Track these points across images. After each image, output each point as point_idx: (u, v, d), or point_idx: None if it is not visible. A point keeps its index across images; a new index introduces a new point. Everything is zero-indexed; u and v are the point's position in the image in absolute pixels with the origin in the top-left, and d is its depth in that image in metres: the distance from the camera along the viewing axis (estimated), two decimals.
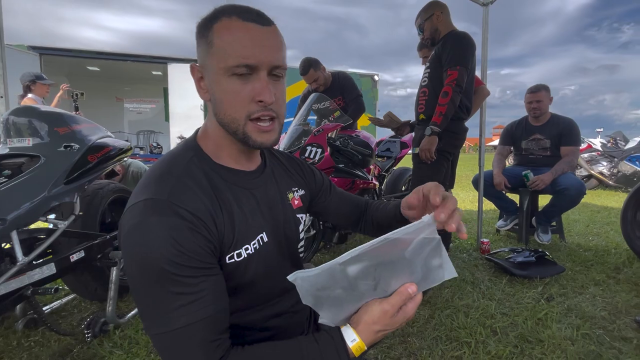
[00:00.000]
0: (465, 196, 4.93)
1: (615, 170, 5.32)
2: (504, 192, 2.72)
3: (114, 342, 1.30)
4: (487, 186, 2.67)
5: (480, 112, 2.45)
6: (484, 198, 2.65)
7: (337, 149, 2.01)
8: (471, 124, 2.13)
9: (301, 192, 0.78)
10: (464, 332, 1.36)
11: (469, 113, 2.00)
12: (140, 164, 2.68)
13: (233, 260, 0.57)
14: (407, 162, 2.59)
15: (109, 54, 6.89)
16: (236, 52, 0.52)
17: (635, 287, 1.77)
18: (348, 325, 0.51)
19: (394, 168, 3.09)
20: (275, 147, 2.19)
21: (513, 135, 2.81)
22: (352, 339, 0.49)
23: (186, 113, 6.29)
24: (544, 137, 2.61)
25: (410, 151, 2.34)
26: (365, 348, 0.50)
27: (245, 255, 0.58)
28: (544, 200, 2.60)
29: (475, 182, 2.69)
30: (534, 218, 2.64)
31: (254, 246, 0.60)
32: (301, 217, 0.77)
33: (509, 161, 3.02)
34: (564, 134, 2.53)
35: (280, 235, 0.69)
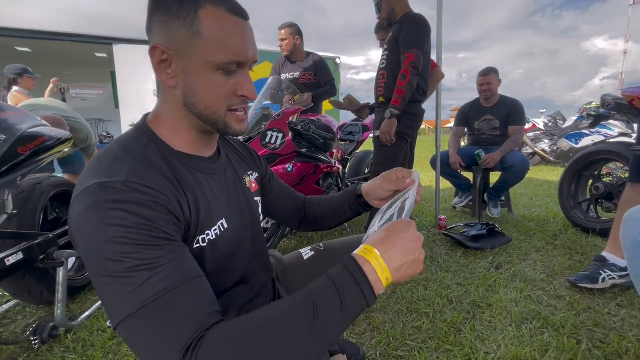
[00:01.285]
0: (424, 176, 5.16)
1: (555, 148, 5.83)
2: (459, 171, 2.88)
3: (66, 346, 1.22)
4: (443, 166, 2.80)
5: (437, 95, 2.53)
6: (441, 177, 2.79)
7: (299, 133, 1.99)
8: (429, 107, 2.21)
9: (255, 175, 0.78)
10: (424, 303, 1.44)
11: (425, 95, 2.06)
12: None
13: (198, 245, 0.56)
14: (369, 145, 2.64)
15: (42, 32, 6.14)
16: (228, 49, 0.51)
17: (569, 251, 1.98)
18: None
19: (357, 151, 3.14)
20: None
21: (467, 116, 2.95)
22: (362, 249, 0.48)
23: (138, 99, 5.85)
24: (494, 117, 2.78)
25: (371, 134, 2.38)
26: (377, 252, 0.47)
27: (208, 241, 0.57)
28: (494, 177, 2.79)
29: (433, 162, 2.82)
30: (486, 194, 2.83)
31: (215, 232, 0.59)
32: (259, 200, 0.77)
33: (464, 141, 3.18)
34: (511, 114, 2.71)
35: (243, 219, 0.68)
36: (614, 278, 1.50)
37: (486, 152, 2.69)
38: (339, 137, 3.13)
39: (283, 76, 2.69)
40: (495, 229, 2.18)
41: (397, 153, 2.02)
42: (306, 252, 0.95)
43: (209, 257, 0.58)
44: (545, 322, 1.28)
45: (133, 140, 0.55)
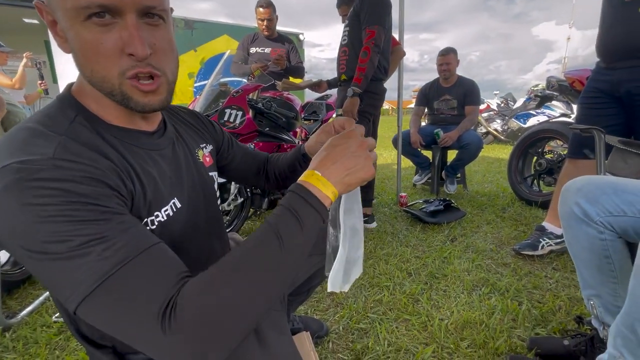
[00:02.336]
0: (387, 155, 5.29)
1: (506, 127, 6.22)
2: (419, 149, 2.97)
3: (5, 345, 1.11)
4: (405, 145, 2.88)
5: (398, 74, 2.55)
6: (402, 156, 2.86)
7: (260, 111, 1.91)
8: (391, 87, 2.22)
9: (209, 147, 0.72)
10: (384, 277, 1.50)
11: (387, 73, 2.06)
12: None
13: (147, 228, 0.50)
14: None
15: None
16: None
17: (515, 222, 2.15)
18: None
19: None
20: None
21: (427, 96, 3.03)
22: (304, 175, 0.50)
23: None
24: (452, 97, 2.87)
25: (335, 114, 2.36)
26: (317, 173, 0.49)
27: (158, 223, 0.52)
28: (452, 155, 2.92)
29: (395, 142, 2.88)
30: (443, 171, 2.97)
31: (167, 212, 0.54)
32: (214, 175, 0.72)
33: (424, 121, 3.28)
34: (468, 94, 2.81)
35: (197, 198, 0.63)
36: (551, 245, 1.66)
37: (444, 131, 2.79)
38: (302, 116, 3.07)
39: (252, 49, 2.61)
40: (451, 205, 2.30)
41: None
42: None
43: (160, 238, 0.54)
44: (493, 287, 1.39)
45: (57, 115, 0.47)
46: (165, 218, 0.54)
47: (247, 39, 2.67)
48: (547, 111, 5.54)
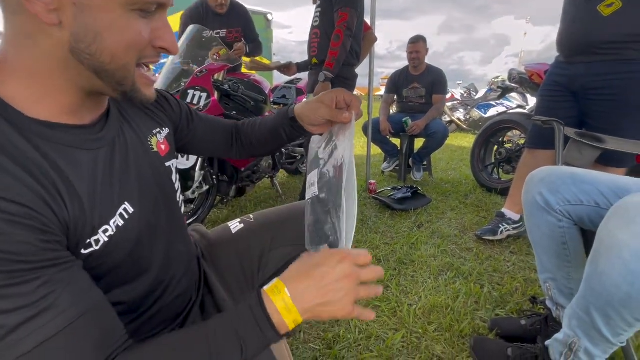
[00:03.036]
0: (356, 142, 5.33)
1: (468, 117, 6.50)
2: (388, 137, 3.00)
3: None
4: (374, 132, 2.89)
5: (370, 61, 2.53)
6: (371, 143, 2.88)
7: (226, 93, 1.80)
8: (361, 74, 2.18)
9: (165, 131, 0.63)
10: None
11: (358, 59, 2.03)
12: None
13: (91, 249, 0.44)
14: None
15: None
16: None
17: (477, 209, 2.26)
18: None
19: None
20: None
21: (396, 84, 3.05)
22: (272, 285, 0.44)
23: None
24: (421, 86, 2.91)
25: (305, 98, 2.29)
26: (286, 291, 0.42)
27: (109, 237, 0.45)
28: (419, 143, 2.99)
29: (365, 129, 2.88)
30: (410, 159, 3.04)
31: (116, 224, 0.47)
32: (172, 164, 0.64)
33: (393, 109, 3.31)
34: (436, 83, 2.87)
35: (153, 197, 0.56)
36: (509, 230, 1.76)
37: (412, 119, 2.84)
38: (271, 100, 2.97)
39: (206, 34, 2.34)
40: (418, 191, 2.36)
41: None
42: (234, 225, 0.87)
43: (112, 254, 0.47)
44: (457, 272, 1.45)
45: None
46: (115, 230, 0.47)
47: (190, 17, 2.21)
48: (506, 102, 5.85)
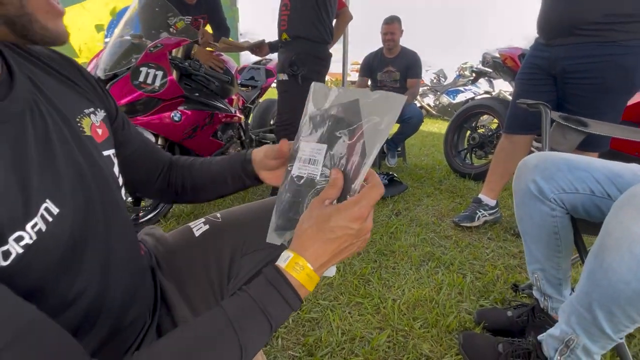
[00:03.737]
0: None
1: (437, 102, 6.59)
2: None
3: None
4: None
5: (344, 42, 2.39)
6: None
7: (186, 72, 1.60)
8: (333, 59, 2.04)
9: (102, 113, 0.49)
10: None
11: (332, 37, 1.89)
12: None
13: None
14: (273, 93, 2.38)
15: None
16: None
17: (452, 194, 2.25)
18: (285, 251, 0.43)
19: (260, 100, 2.84)
20: (91, 69, 1.55)
21: (370, 67, 2.94)
22: (286, 257, 0.41)
23: None
24: (395, 69, 2.83)
25: (275, 80, 2.12)
26: (306, 263, 0.40)
27: (22, 250, 0.32)
28: (393, 128, 2.93)
29: None
30: (385, 145, 2.98)
31: (36, 229, 0.33)
32: (112, 154, 0.50)
33: None
34: (410, 66, 2.80)
35: (82, 193, 0.41)
36: (485, 216, 1.76)
37: None
38: (239, 81, 2.75)
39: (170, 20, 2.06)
40: (394, 178, 2.31)
41: (303, 100, 1.85)
42: (198, 226, 0.73)
43: (29, 271, 0.34)
44: (439, 261, 1.41)
45: None
46: (35, 238, 0.33)
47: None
48: (474, 88, 5.97)
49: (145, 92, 1.42)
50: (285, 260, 0.40)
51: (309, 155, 0.47)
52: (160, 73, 1.45)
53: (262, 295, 0.39)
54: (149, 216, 1.71)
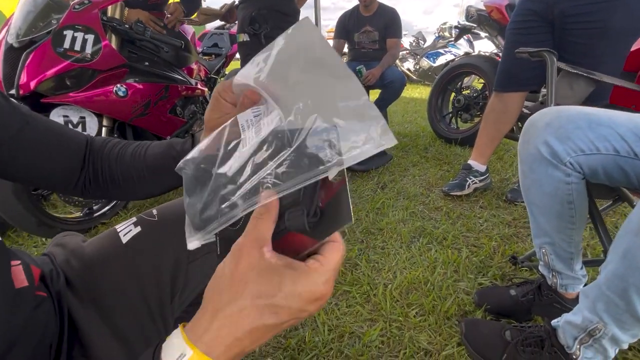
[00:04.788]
0: None
1: (417, 67, 6.37)
2: None
3: None
4: None
5: (315, 7, 2.13)
6: None
7: (127, 36, 1.33)
8: None
9: None
10: None
11: None
12: None
13: None
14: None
15: None
16: None
17: (439, 162, 2.13)
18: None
19: (227, 70, 2.57)
20: (2, 37, 1.23)
21: (346, 27, 2.68)
22: (179, 354, 0.24)
23: None
24: (373, 28, 2.59)
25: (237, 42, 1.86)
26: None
27: None
28: (374, 95, 2.74)
29: None
30: None
31: None
32: None
33: (344, 59, 2.98)
34: (389, 25, 2.56)
35: None
36: (476, 183, 1.65)
37: (367, 68, 2.55)
38: (200, 50, 2.46)
39: None
40: None
41: None
42: (127, 229, 0.55)
43: None
44: (430, 237, 1.29)
45: None
46: None
47: None
48: (454, 50, 5.77)
49: (73, 61, 1.16)
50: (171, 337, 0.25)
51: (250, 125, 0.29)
52: (90, 37, 1.18)
53: None
54: (105, 209, 1.51)
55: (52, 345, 0.43)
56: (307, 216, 0.25)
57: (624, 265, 0.53)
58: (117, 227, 0.56)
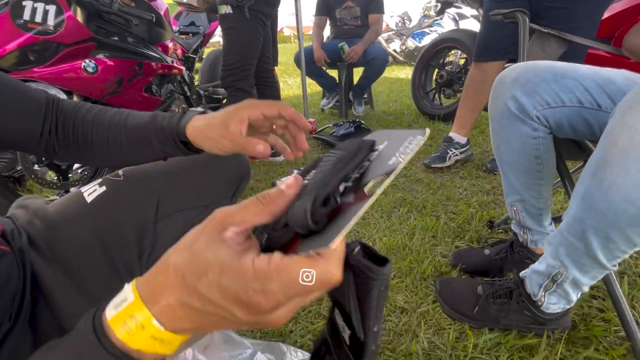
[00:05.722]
0: (292, 82, 4.86)
1: (404, 47, 6.31)
2: (324, 68, 2.67)
3: None
4: (308, 63, 2.53)
5: None
6: (308, 81, 2.53)
7: (93, 9, 1.27)
8: (289, 12, 1.75)
9: None
10: None
11: None
12: None
13: None
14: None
15: None
16: None
17: None
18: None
19: (206, 49, 2.49)
20: None
21: (328, 4, 2.63)
22: (122, 299, 0.23)
23: None
24: (355, 4, 2.54)
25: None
26: (155, 323, 0.22)
27: None
28: (357, 75, 2.71)
29: (297, 60, 2.50)
30: (350, 93, 2.77)
31: None
32: None
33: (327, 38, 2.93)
34: (370, 0, 2.51)
35: None
36: (457, 155, 1.66)
37: (349, 45, 2.51)
38: (176, 29, 2.38)
39: None
40: (362, 126, 2.15)
41: (252, 38, 1.59)
42: (91, 190, 0.55)
43: None
44: (411, 206, 1.31)
45: None
46: None
47: None
48: (439, 29, 5.72)
49: (35, 34, 1.11)
50: (116, 307, 0.23)
51: None
52: (52, 8, 1.12)
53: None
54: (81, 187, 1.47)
55: (15, 298, 0.42)
56: (314, 204, 0.21)
57: (582, 208, 0.55)
58: (82, 188, 0.55)
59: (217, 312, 0.21)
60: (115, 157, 0.54)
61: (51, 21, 1.13)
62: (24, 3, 1.10)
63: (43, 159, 1.24)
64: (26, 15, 1.09)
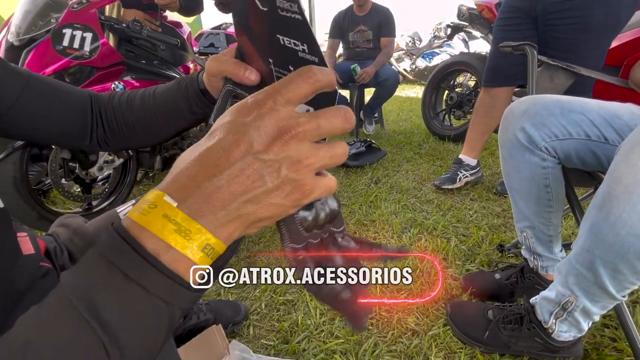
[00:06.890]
0: None
1: (414, 66, 6.42)
2: (336, 88, 2.75)
3: None
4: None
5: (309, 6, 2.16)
6: None
7: (125, 35, 1.37)
8: None
9: None
10: None
11: None
12: None
13: None
14: None
15: None
16: None
17: (432, 158, 2.17)
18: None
19: None
20: (3, 36, 1.24)
21: (341, 27, 2.73)
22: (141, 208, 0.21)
23: None
24: (367, 28, 2.63)
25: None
26: (169, 203, 0.20)
27: None
28: (368, 94, 2.78)
29: None
30: (361, 112, 2.84)
31: None
32: None
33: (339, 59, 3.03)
34: (383, 24, 2.61)
35: None
36: (467, 176, 1.69)
37: (361, 66, 2.59)
38: (196, 50, 2.50)
39: None
40: (372, 145, 2.20)
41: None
42: (126, 209, 0.59)
43: None
44: (421, 227, 1.33)
45: None
46: None
47: None
48: (449, 49, 5.83)
49: (72, 58, 1.20)
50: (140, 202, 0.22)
51: None
52: (89, 35, 1.22)
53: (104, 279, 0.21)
54: (104, 204, 1.54)
55: None
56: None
57: (590, 239, 0.57)
58: (117, 208, 0.60)
59: (232, 172, 0.21)
60: (157, 131, 0.53)
61: (87, 47, 1.22)
62: (63, 31, 1.19)
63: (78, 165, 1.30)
64: (65, 42, 1.19)
